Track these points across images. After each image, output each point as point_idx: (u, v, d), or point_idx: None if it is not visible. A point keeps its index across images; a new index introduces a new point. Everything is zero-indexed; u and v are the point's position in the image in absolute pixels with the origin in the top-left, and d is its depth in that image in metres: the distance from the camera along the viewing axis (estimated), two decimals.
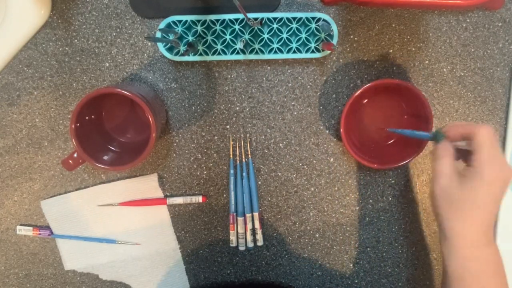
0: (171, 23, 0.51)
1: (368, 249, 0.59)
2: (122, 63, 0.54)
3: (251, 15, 0.50)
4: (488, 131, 0.42)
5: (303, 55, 0.52)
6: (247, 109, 0.56)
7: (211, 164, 0.57)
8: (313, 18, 0.51)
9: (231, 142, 0.56)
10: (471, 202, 0.42)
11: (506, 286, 0.44)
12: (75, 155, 0.49)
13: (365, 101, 0.55)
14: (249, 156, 0.56)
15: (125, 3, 0.53)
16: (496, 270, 0.44)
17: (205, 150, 0.56)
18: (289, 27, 0.51)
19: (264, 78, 0.55)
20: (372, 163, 0.52)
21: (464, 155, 0.45)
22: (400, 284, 0.60)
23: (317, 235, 0.59)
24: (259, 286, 0.59)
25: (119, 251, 0.58)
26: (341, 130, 0.51)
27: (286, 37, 0.52)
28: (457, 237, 0.43)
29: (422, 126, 0.51)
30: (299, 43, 0.52)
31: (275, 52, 0.52)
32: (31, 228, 0.57)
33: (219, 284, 0.59)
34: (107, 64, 0.54)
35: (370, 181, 0.57)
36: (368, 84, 0.50)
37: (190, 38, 0.52)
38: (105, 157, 0.50)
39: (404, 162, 0.51)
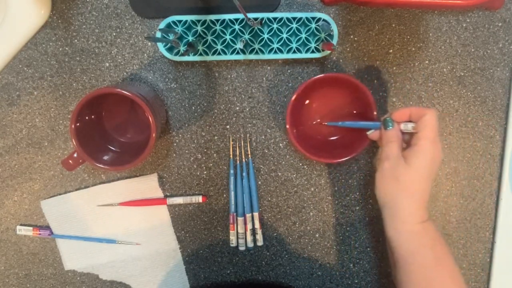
0: (171, 23, 0.51)
1: (368, 249, 0.59)
2: (122, 63, 0.54)
3: (251, 15, 0.50)
4: (435, 113, 0.45)
5: (303, 55, 0.52)
6: (247, 109, 0.56)
7: (211, 164, 0.57)
8: (313, 18, 0.51)
9: (231, 142, 0.56)
10: (416, 179, 0.45)
11: (449, 255, 0.47)
12: (75, 155, 0.49)
13: (313, 95, 0.54)
14: (249, 156, 0.56)
15: (125, 3, 0.53)
16: (440, 242, 0.47)
17: (205, 150, 0.56)
18: (289, 27, 0.51)
19: (264, 78, 0.55)
20: (321, 158, 0.52)
21: (407, 140, 0.49)
22: None
23: (317, 235, 0.59)
24: (259, 286, 0.59)
25: (119, 251, 0.58)
26: (287, 126, 0.50)
27: (286, 37, 0.52)
28: (403, 213, 0.46)
29: (368, 117, 0.51)
30: (299, 43, 0.52)
31: (275, 52, 0.52)
32: (31, 228, 0.57)
33: (219, 284, 0.59)
34: (107, 64, 0.54)
35: (370, 181, 0.57)
36: (310, 80, 0.50)
37: (190, 38, 0.52)
38: (105, 157, 0.50)
39: (352, 156, 0.51)
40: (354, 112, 0.54)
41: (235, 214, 0.56)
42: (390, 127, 0.48)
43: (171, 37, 0.50)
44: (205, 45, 0.52)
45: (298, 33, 0.51)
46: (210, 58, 0.52)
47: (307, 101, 0.54)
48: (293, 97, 0.50)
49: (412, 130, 0.47)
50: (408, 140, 0.48)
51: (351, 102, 0.54)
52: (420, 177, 0.45)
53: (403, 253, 0.46)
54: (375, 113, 0.50)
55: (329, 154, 0.52)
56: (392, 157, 0.46)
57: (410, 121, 0.48)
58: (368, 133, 0.50)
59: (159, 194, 0.57)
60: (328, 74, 0.51)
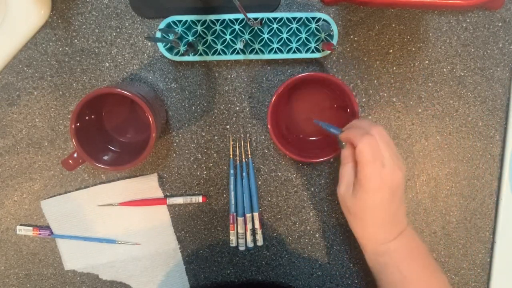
0: (171, 23, 0.51)
1: None
2: (122, 63, 0.54)
3: (251, 15, 0.50)
4: (367, 143, 0.42)
5: (303, 55, 0.52)
6: (247, 109, 0.56)
7: (211, 164, 0.57)
8: (313, 18, 0.51)
9: (231, 142, 0.56)
10: (361, 210, 0.45)
11: (429, 268, 0.47)
12: (75, 155, 0.49)
13: (296, 95, 0.54)
14: (249, 156, 0.56)
15: (125, 3, 0.53)
16: (413, 256, 0.47)
17: (205, 150, 0.56)
18: (289, 27, 0.51)
19: (264, 78, 0.55)
20: (304, 157, 0.51)
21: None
22: None
23: (317, 235, 0.59)
24: (259, 286, 0.59)
25: (119, 251, 0.58)
26: (269, 126, 0.50)
27: (286, 37, 0.52)
28: (362, 239, 0.48)
29: (350, 117, 0.51)
30: (299, 43, 0.52)
31: (275, 52, 0.52)
32: (31, 228, 0.57)
33: (219, 284, 0.59)
34: (107, 64, 0.54)
35: None
36: (290, 79, 0.49)
37: (190, 38, 0.52)
38: (105, 157, 0.50)
39: (332, 155, 0.51)
40: (335, 106, 0.54)
41: (235, 214, 0.56)
42: (343, 147, 0.47)
43: (171, 37, 0.50)
44: (205, 45, 0.52)
45: (298, 33, 0.51)
46: (210, 58, 0.52)
47: (288, 101, 0.55)
48: (274, 98, 0.49)
49: None
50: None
51: (335, 101, 0.54)
52: (370, 207, 0.44)
53: (373, 271, 0.48)
54: (356, 112, 0.49)
55: (312, 154, 0.52)
56: (345, 183, 0.46)
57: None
58: (342, 149, 0.48)
59: (159, 194, 0.57)
60: (309, 73, 0.49)
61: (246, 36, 0.51)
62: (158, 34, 0.51)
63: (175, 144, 0.56)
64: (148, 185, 0.57)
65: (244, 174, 0.56)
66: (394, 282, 0.46)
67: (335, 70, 0.55)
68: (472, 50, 0.55)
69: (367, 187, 0.43)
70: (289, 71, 0.55)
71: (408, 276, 0.45)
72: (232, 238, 0.57)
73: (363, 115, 0.56)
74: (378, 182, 0.43)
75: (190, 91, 0.55)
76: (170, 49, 0.52)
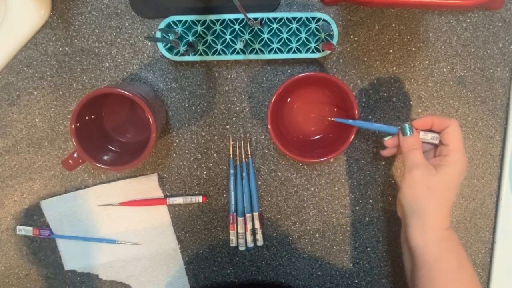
0: (171, 23, 0.51)
1: (368, 249, 0.59)
2: (122, 63, 0.54)
3: (251, 15, 0.50)
4: (457, 124, 0.47)
5: (303, 55, 0.52)
6: (247, 109, 0.56)
7: (211, 164, 0.57)
8: (313, 18, 0.51)
9: (231, 142, 0.56)
10: (447, 187, 0.46)
11: (468, 260, 0.48)
12: (75, 155, 0.49)
13: (296, 95, 0.54)
14: (249, 156, 0.56)
15: (125, 3, 0.53)
16: (461, 247, 0.48)
17: (205, 150, 0.56)
18: (289, 27, 0.51)
19: (264, 78, 0.55)
20: (304, 158, 0.51)
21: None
22: (400, 284, 0.60)
23: (317, 235, 0.59)
24: (259, 286, 0.59)
25: (119, 251, 0.58)
26: (269, 126, 0.50)
27: (286, 37, 0.52)
28: (433, 220, 0.46)
29: (349, 117, 0.51)
30: (299, 43, 0.52)
31: (275, 52, 0.52)
32: (31, 228, 0.57)
33: (219, 284, 0.59)
34: (107, 64, 0.54)
35: (370, 181, 0.57)
36: (290, 80, 0.49)
37: (190, 38, 0.52)
38: (105, 157, 0.50)
39: (332, 156, 0.51)
40: (335, 106, 0.54)
41: (235, 214, 0.56)
42: (409, 134, 0.48)
43: (171, 37, 0.50)
44: (205, 45, 0.52)
45: (298, 33, 0.51)
46: (210, 58, 0.52)
47: (288, 100, 0.55)
48: (273, 98, 0.49)
49: (431, 140, 0.48)
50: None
51: (334, 101, 0.54)
52: (452, 186, 0.46)
53: (428, 259, 0.46)
54: (356, 112, 0.49)
55: (312, 154, 0.52)
56: (421, 164, 0.46)
57: (430, 131, 0.48)
58: (385, 139, 0.50)
59: (159, 194, 0.57)
60: (309, 73, 0.50)
61: (246, 36, 0.51)
62: (158, 34, 0.51)
63: (175, 144, 0.56)
64: (148, 185, 0.57)
65: (244, 174, 0.56)
66: (451, 268, 0.46)
67: (335, 70, 0.55)
68: (472, 50, 0.55)
69: (458, 164, 0.46)
70: (289, 71, 0.55)
71: (462, 263, 0.46)
72: (232, 238, 0.57)
73: (363, 115, 0.56)
74: (465, 162, 0.46)
75: (190, 91, 0.55)
76: (170, 49, 0.52)
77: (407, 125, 0.48)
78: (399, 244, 0.58)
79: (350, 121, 0.50)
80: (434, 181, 0.46)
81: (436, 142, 0.48)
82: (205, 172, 0.57)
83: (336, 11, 0.54)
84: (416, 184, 0.46)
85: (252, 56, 0.52)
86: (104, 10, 0.53)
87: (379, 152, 0.52)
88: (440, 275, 0.45)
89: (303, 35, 0.51)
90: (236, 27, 0.51)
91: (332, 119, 0.51)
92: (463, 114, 0.57)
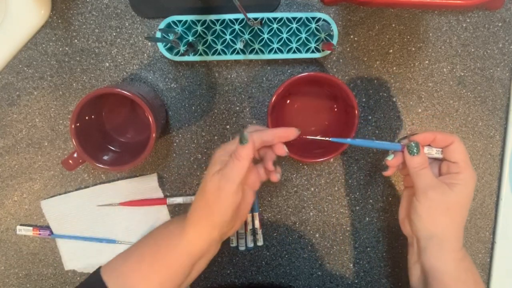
0: (171, 23, 0.51)
1: (368, 249, 0.59)
2: (122, 63, 0.54)
3: (251, 15, 0.50)
4: (460, 139, 0.45)
5: (303, 55, 0.52)
6: (247, 109, 0.56)
7: None
8: (313, 18, 0.51)
9: None
10: (463, 206, 0.45)
11: (480, 277, 0.47)
12: (75, 155, 0.49)
13: (295, 95, 0.54)
14: None
15: (125, 3, 0.53)
16: (473, 264, 0.47)
17: (205, 150, 0.56)
18: (289, 27, 0.51)
19: (264, 78, 0.55)
20: (298, 156, 0.51)
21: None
22: (400, 284, 0.60)
23: (317, 235, 0.59)
24: (259, 286, 0.59)
25: (119, 251, 0.58)
26: (269, 126, 0.50)
27: (286, 37, 0.52)
28: (452, 241, 0.45)
29: (349, 117, 0.50)
30: (299, 43, 0.52)
31: (275, 52, 0.52)
32: (31, 228, 0.57)
33: (219, 284, 0.59)
34: (107, 64, 0.54)
35: (370, 181, 0.57)
36: (290, 80, 0.49)
37: (190, 38, 0.52)
38: (105, 157, 0.50)
39: (331, 156, 0.51)
40: (335, 106, 0.54)
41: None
42: (417, 153, 0.44)
43: (171, 37, 0.50)
44: (205, 45, 0.52)
45: (298, 33, 0.51)
46: (210, 58, 0.52)
47: (288, 101, 0.54)
48: (273, 98, 0.49)
49: (436, 155, 0.46)
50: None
51: (334, 101, 0.54)
52: (467, 203, 0.45)
53: (447, 280, 0.44)
54: (356, 112, 0.49)
55: (312, 154, 0.52)
56: (436, 184, 0.44)
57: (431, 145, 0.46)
58: (388, 159, 0.46)
59: (159, 194, 0.57)
60: (309, 73, 0.49)
61: (246, 36, 0.51)
62: (158, 34, 0.51)
63: (175, 144, 0.56)
64: (148, 185, 0.57)
65: None
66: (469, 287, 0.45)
67: (335, 70, 0.55)
68: (472, 50, 0.55)
69: (468, 181, 0.44)
70: (289, 71, 0.55)
71: (478, 281, 0.46)
72: (232, 238, 0.57)
73: (363, 115, 0.56)
74: (474, 177, 0.45)
75: (190, 91, 0.55)
76: (170, 49, 0.52)
77: (413, 144, 0.44)
78: (399, 244, 0.59)
79: (348, 140, 0.47)
80: (452, 202, 0.44)
81: (441, 156, 0.46)
82: (205, 172, 0.57)
83: (336, 11, 0.54)
84: (433, 206, 0.44)
85: (252, 56, 0.52)
86: (104, 10, 0.53)
87: (381, 172, 0.50)
88: None
89: (303, 35, 0.51)
90: (236, 27, 0.51)
91: (329, 139, 0.47)
92: (463, 114, 0.57)
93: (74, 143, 0.47)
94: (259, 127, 0.47)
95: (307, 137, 0.50)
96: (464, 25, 0.55)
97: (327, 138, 0.46)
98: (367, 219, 0.58)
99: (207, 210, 0.43)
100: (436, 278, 0.45)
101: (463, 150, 0.45)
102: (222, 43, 0.52)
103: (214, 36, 0.52)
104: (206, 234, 0.44)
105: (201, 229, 0.44)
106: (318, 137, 0.49)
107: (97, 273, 0.46)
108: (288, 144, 0.52)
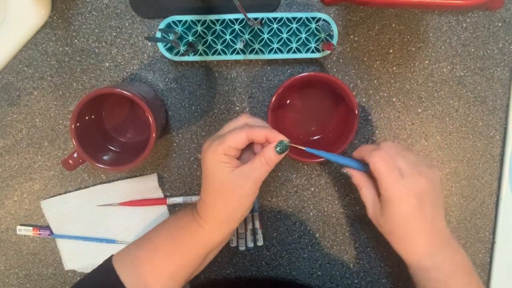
0: (171, 23, 0.51)
1: (368, 249, 0.59)
2: (122, 63, 0.54)
3: (251, 15, 0.50)
4: (378, 156, 0.42)
5: (303, 55, 0.52)
6: (247, 109, 0.56)
7: None
8: (313, 18, 0.51)
9: None
10: (394, 226, 0.43)
11: (474, 286, 0.45)
12: (75, 155, 0.49)
13: (295, 95, 0.54)
14: None
15: (125, 3, 0.53)
16: (459, 271, 0.44)
17: None
18: (289, 27, 0.51)
19: (264, 78, 0.55)
20: (298, 156, 0.51)
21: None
22: (400, 284, 0.60)
23: (317, 235, 0.59)
24: (259, 286, 0.59)
25: None
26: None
27: (286, 37, 0.52)
28: (405, 256, 0.45)
29: (350, 117, 0.50)
30: (299, 43, 0.52)
31: (275, 52, 0.52)
32: (31, 228, 0.57)
33: (219, 284, 0.59)
34: (107, 64, 0.54)
35: None
36: (289, 80, 0.49)
37: (190, 38, 0.52)
38: (105, 157, 0.50)
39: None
40: (335, 106, 0.54)
41: None
42: (350, 177, 0.46)
43: (171, 37, 0.50)
44: (205, 45, 0.52)
45: (298, 33, 0.51)
46: (210, 58, 0.52)
47: (288, 101, 0.54)
48: (273, 98, 0.49)
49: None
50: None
51: (334, 101, 0.54)
52: (400, 220, 0.43)
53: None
54: (356, 112, 0.49)
55: (312, 154, 0.52)
56: (370, 204, 0.45)
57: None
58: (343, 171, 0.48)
59: (159, 194, 0.57)
60: (309, 73, 0.49)
61: (246, 36, 0.51)
62: (158, 34, 0.51)
63: (175, 144, 0.56)
64: (148, 185, 0.57)
65: None
66: None
67: (335, 70, 0.55)
68: (472, 50, 0.55)
69: (391, 200, 0.42)
70: (289, 71, 0.55)
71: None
72: (232, 238, 0.57)
73: (363, 115, 0.56)
74: (401, 192, 0.42)
75: (190, 91, 0.55)
76: (170, 49, 0.52)
77: (344, 172, 0.47)
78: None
79: (321, 153, 0.46)
80: (381, 222, 0.44)
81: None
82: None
83: (336, 11, 0.54)
84: (375, 224, 0.46)
85: (252, 56, 0.52)
86: (104, 10, 0.53)
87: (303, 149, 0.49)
88: None
89: (303, 35, 0.51)
90: (236, 27, 0.51)
91: (303, 148, 0.46)
92: (463, 114, 0.57)
93: (74, 143, 0.47)
94: (253, 119, 0.46)
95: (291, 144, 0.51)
96: (464, 25, 0.55)
97: (302, 147, 0.46)
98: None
99: (226, 206, 0.43)
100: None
101: (378, 172, 0.42)
102: (222, 43, 0.52)
103: (214, 36, 0.52)
104: (225, 227, 0.45)
105: (220, 223, 0.44)
106: (295, 145, 0.49)
107: (108, 261, 0.47)
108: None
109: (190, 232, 0.46)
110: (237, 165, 0.43)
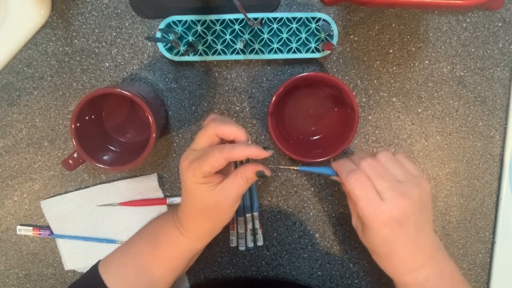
0: (171, 23, 0.51)
1: None
2: (122, 63, 0.54)
3: (251, 15, 0.50)
4: (354, 179, 0.40)
5: (303, 55, 0.52)
6: (247, 109, 0.56)
7: None
8: (313, 18, 0.51)
9: None
10: (374, 246, 0.43)
11: None
12: (75, 155, 0.49)
13: (295, 96, 0.54)
14: None
15: (125, 3, 0.53)
16: (446, 285, 0.43)
17: None
18: (289, 27, 0.51)
19: (264, 78, 0.55)
20: (298, 156, 0.51)
21: None
22: None
23: (317, 235, 0.59)
24: (259, 285, 0.59)
25: None
26: (269, 127, 0.50)
27: (286, 37, 0.52)
28: (387, 272, 0.45)
29: (350, 117, 0.50)
30: (299, 43, 0.52)
31: (275, 52, 0.52)
32: (31, 228, 0.57)
33: (219, 284, 0.59)
34: (107, 64, 0.54)
35: None
36: (290, 80, 0.49)
37: (190, 38, 0.52)
38: (105, 157, 0.50)
39: (327, 158, 0.51)
40: (335, 106, 0.54)
41: (235, 214, 0.56)
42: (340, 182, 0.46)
43: (171, 37, 0.50)
44: (205, 45, 0.52)
45: (298, 33, 0.51)
46: (210, 58, 0.52)
47: (288, 101, 0.54)
48: (274, 98, 0.49)
49: None
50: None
51: (334, 101, 0.54)
52: (381, 242, 0.41)
53: None
54: (356, 112, 0.49)
55: (312, 154, 0.52)
56: (354, 217, 0.46)
57: None
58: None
59: (159, 194, 0.57)
60: (309, 73, 0.49)
61: (246, 36, 0.51)
62: (158, 34, 0.51)
63: (175, 144, 0.56)
64: (148, 185, 0.56)
65: None
66: None
67: (335, 70, 0.55)
68: (472, 50, 0.55)
69: (370, 225, 0.40)
70: (289, 71, 0.55)
71: None
72: (232, 238, 0.57)
73: (363, 115, 0.56)
74: (378, 219, 0.39)
75: (190, 91, 0.55)
76: (170, 49, 0.52)
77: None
78: None
79: (313, 169, 0.48)
80: (362, 238, 0.44)
81: None
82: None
83: (336, 11, 0.54)
84: (364, 244, 0.46)
85: (252, 56, 0.52)
86: (104, 10, 0.53)
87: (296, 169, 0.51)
88: None
89: (303, 35, 0.51)
90: (236, 27, 0.51)
91: (296, 168, 0.49)
92: (463, 114, 0.57)
93: (74, 143, 0.47)
94: (221, 117, 0.46)
95: (273, 166, 0.55)
96: (464, 25, 0.55)
97: (295, 168, 0.48)
98: None
99: (208, 221, 0.45)
100: None
101: (354, 197, 0.40)
102: (222, 43, 0.52)
103: (214, 36, 0.52)
104: (208, 238, 0.47)
105: (203, 235, 0.46)
106: (282, 167, 0.54)
107: (95, 267, 0.47)
108: (287, 144, 0.52)
109: (173, 239, 0.47)
110: (217, 181, 0.42)
